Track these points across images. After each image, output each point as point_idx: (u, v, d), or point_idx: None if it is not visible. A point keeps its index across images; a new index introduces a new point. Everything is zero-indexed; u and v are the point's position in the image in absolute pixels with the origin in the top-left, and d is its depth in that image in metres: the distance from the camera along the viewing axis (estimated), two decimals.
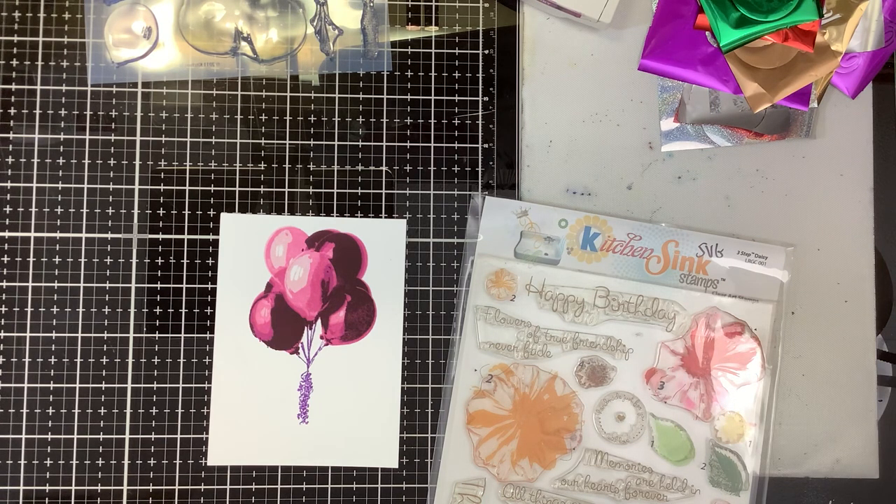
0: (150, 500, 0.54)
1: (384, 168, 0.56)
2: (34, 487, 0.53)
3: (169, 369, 0.54)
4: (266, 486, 0.54)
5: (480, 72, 0.56)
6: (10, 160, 0.54)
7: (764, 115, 0.56)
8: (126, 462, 0.54)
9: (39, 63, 0.55)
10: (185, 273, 0.54)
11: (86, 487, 0.53)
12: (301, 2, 0.56)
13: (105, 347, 0.54)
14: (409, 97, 0.56)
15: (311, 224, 0.55)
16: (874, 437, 0.56)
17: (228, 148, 0.55)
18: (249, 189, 0.55)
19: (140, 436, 0.54)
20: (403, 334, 0.55)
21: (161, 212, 0.55)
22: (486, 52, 0.56)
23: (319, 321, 0.55)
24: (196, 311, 0.54)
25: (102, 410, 0.54)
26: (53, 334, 0.54)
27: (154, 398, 0.54)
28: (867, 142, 0.57)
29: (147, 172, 0.55)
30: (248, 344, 0.54)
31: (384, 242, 0.55)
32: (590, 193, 0.56)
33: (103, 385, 0.54)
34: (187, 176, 0.55)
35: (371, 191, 0.56)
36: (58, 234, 0.54)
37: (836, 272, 0.56)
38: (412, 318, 0.55)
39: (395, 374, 0.55)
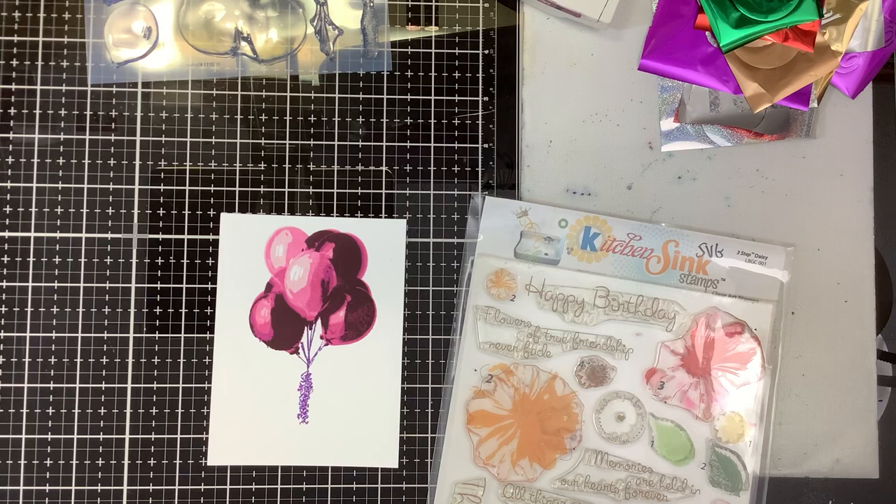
0: (150, 500, 0.54)
1: (384, 168, 0.56)
2: (34, 487, 0.53)
3: (169, 369, 0.54)
4: (266, 486, 0.54)
5: (480, 72, 0.56)
6: (10, 160, 0.54)
7: (764, 115, 0.56)
8: (126, 462, 0.54)
9: (39, 63, 0.55)
10: (185, 273, 0.54)
11: (86, 487, 0.53)
12: (301, 2, 0.56)
13: (105, 347, 0.54)
14: (409, 97, 0.56)
15: (311, 224, 0.55)
16: (874, 437, 0.56)
17: (228, 148, 0.55)
18: (249, 189, 0.55)
19: (140, 436, 0.54)
20: (403, 334, 0.55)
21: (161, 212, 0.55)
22: (486, 52, 0.56)
23: (319, 321, 0.55)
24: (196, 311, 0.54)
25: (102, 410, 0.54)
26: (53, 334, 0.54)
27: (154, 398, 0.54)
28: (867, 142, 0.57)
29: (147, 172, 0.55)
30: (248, 344, 0.54)
31: (384, 242, 0.55)
32: (590, 193, 0.56)
33: (103, 385, 0.54)
34: (187, 176, 0.55)
35: (371, 191, 0.56)
36: (58, 234, 0.54)
37: (836, 272, 0.56)
38: (412, 318, 0.55)
39: (395, 374, 0.55)
